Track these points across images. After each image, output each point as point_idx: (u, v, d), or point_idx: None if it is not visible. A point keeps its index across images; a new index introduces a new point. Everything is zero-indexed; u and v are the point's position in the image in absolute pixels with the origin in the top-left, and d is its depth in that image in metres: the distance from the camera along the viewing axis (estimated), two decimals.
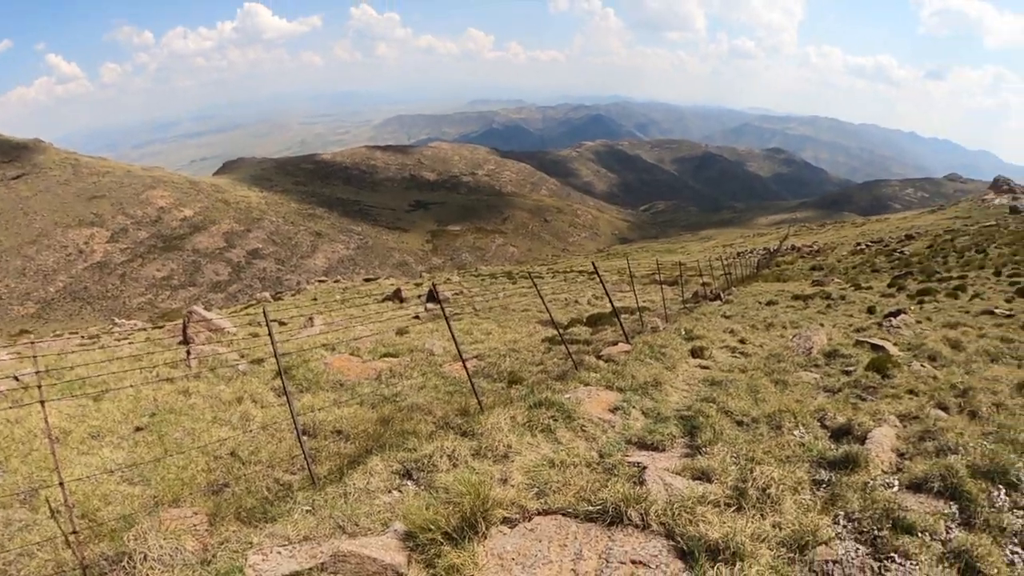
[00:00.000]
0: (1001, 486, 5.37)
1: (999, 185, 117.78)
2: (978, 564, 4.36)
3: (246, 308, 40.38)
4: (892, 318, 16.71)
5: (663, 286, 31.42)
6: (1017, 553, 4.59)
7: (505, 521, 5.24)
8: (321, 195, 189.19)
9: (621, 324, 14.93)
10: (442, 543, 4.76)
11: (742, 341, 14.83)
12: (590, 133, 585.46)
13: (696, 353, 12.85)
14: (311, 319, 21.33)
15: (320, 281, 63.24)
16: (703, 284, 33.23)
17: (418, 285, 42.83)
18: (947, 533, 4.82)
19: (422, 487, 6.12)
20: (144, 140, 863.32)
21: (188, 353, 14.07)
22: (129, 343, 19.13)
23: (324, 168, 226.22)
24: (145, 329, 26.37)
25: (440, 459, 6.50)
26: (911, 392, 9.06)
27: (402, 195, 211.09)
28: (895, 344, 13.05)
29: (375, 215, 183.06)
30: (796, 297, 25.96)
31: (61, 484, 5.07)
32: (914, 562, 4.42)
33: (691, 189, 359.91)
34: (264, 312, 7.73)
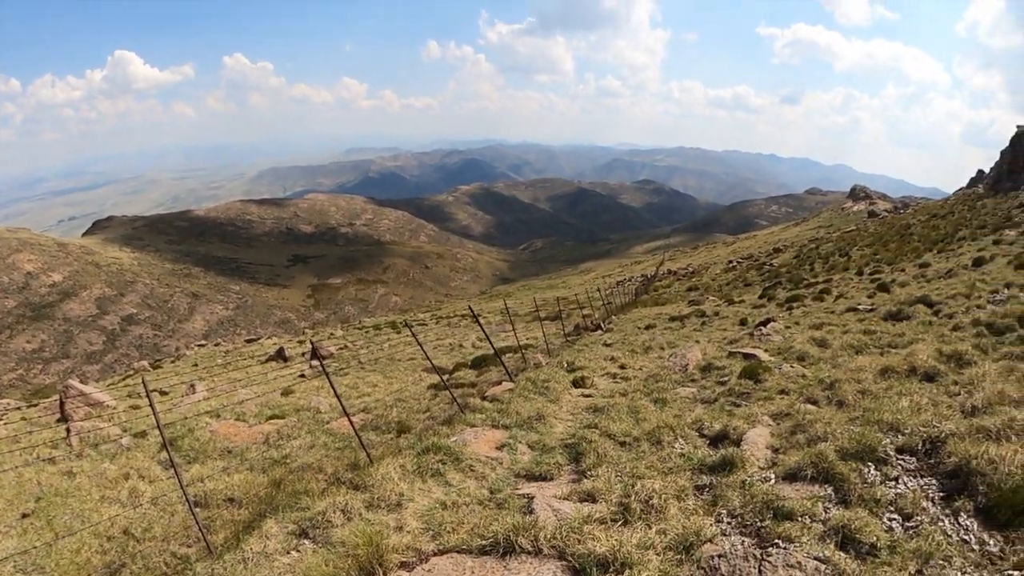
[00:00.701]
0: (871, 463, 5.69)
1: (856, 194, 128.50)
2: (857, 536, 4.62)
3: (124, 379, 38.04)
4: (763, 327, 17.40)
5: (544, 322, 31.88)
6: (895, 519, 4.90)
7: (403, 566, 5.29)
8: (196, 254, 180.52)
9: (503, 364, 15.25)
10: None
11: (622, 367, 15.24)
12: (466, 177, 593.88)
13: (578, 383, 13.12)
14: (193, 386, 20.49)
15: (200, 345, 60.15)
16: (584, 316, 33.90)
17: (301, 342, 41.69)
18: (826, 513, 5.06)
19: (319, 544, 6.16)
20: (9, 199, 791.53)
21: (68, 431, 13.26)
22: (4, 424, 17.98)
23: (198, 225, 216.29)
24: (19, 408, 24.49)
25: (334, 515, 6.56)
26: (782, 392, 9.49)
27: (280, 250, 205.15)
28: (766, 350, 13.64)
29: (253, 272, 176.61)
30: (673, 319, 26.74)
31: None
32: (797, 544, 4.63)
33: (567, 225, 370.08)
34: (143, 382, 7.59)
